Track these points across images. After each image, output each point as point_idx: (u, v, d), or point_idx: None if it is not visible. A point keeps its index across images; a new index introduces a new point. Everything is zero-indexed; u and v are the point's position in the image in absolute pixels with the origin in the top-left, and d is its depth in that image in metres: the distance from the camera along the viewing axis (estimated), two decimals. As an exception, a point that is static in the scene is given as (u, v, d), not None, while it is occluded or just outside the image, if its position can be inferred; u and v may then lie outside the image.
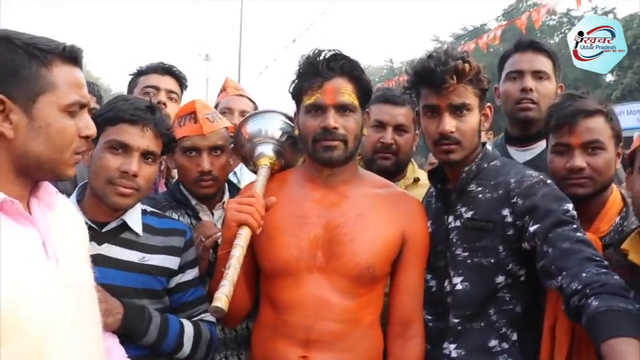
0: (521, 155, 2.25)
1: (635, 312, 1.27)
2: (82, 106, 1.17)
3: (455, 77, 1.63)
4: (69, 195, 1.65)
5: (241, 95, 2.85)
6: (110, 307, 1.50)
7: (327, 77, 1.63)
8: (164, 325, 1.63)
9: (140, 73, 2.52)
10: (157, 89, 2.45)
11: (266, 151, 1.82)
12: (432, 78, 1.66)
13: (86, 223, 1.55)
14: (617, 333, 1.21)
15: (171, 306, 1.73)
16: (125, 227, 1.66)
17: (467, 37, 17.13)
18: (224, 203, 2.01)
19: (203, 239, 1.86)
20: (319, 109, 1.64)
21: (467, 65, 1.65)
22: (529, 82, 2.23)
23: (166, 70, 2.50)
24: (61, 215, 1.23)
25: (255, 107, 2.80)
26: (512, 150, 2.30)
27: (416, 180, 2.34)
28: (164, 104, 2.34)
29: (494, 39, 8.00)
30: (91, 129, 1.19)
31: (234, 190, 2.06)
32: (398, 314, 1.71)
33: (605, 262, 1.42)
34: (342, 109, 1.64)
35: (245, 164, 1.98)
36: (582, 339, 1.52)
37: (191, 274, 1.77)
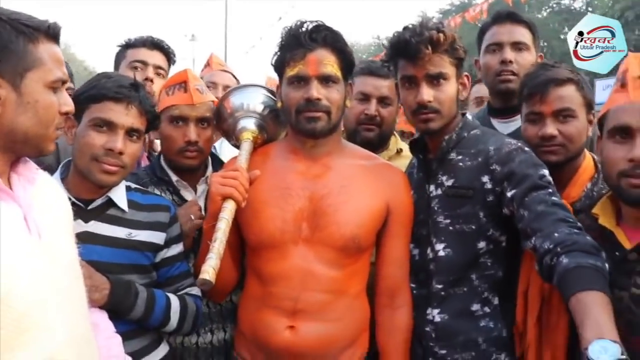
0: (504, 126, 2.26)
1: (603, 268, 1.31)
2: (63, 82, 1.18)
3: (430, 47, 1.65)
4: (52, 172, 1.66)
5: (225, 71, 2.85)
6: (96, 282, 1.51)
7: (310, 48, 1.63)
8: (151, 299, 1.65)
9: (129, 45, 2.47)
10: (145, 64, 2.41)
11: (249, 125, 1.82)
12: (407, 49, 1.68)
13: (71, 201, 1.56)
14: (585, 287, 1.25)
15: (157, 281, 1.75)
16: (110, 203, 1.67)
17: (454, 12, 17.05)
18: (207, 178, 2.01)
19: (193, 217, 1.87)
20: (301, 80, 1.65)
21: (441, 35, 1.67)
22: (508, 53, 2.24)
23: (155, 44, 2.46)
24: (43, 191, 1.23)
25: (238, 83, 2.79)
26: (495, 122, 2.31)
27: (399, 151, 2.37)
28: (151, 80, 2.33)
29: (480, 13, 7.97)
30: (70, 105, 1.20)
31: (218, 164, 2.06)
32: (385, 284, 1.74)
33: (579, 224, 1.46)
34: (325, 80, 1.64)
35: (227, 138, 1.99)
36: (551, 302, 1.58)
37: (176, 249, 1.79)
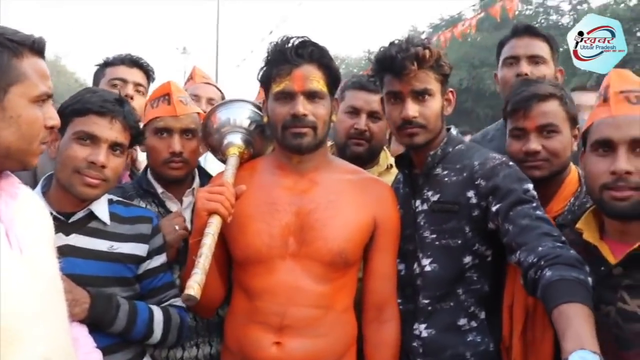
0: None
1: (587, 281, 1.32)
2: (48, 97, 1.18)
3: (415, 63, 1.67)
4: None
5: (208, 84, 2.85)
6: (77, 296, 1.50)
7: (296, 64, 1.63)
8: (133, 312, 1.64)
9: (107, 64, 2.47)
10: (125, 81, 2.41)
11: (235, 140, 1.82)
12: (393, 65, 1.69)
13: (52, 214, 1.54)
14: (567, 299, 1.25)
15: (140, 292, 1.74)
16: (92, 216, 1.67)
17: (444, 27, 17.22)
18: (193, 189, 2.01)
19: (178, 228, 1.87)
20: (287, 96, 1.64)
21: (427, 51, 1.68)
22: (524, 67, 2.25)
23: (134, 62, 2.46)
24: (25, 206, 1.23)
25: (223, 96, 2.80)
26: None
27: (389, 167, 2.36)
28: (132, 97, 2.33)
29: (469, 28, 8.04)
30: (55, 119, 1.20)
31: (205, 177, 2.06)
32: (372, 299, 1.73)
33: (563, 238, 1.47)
34: (311, 96, 1.65)
35: (213, 153, 1.98)
36: (535, 316, 1.58)
37: (159, 260, 1.78)
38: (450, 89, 1.83)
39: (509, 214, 1.55)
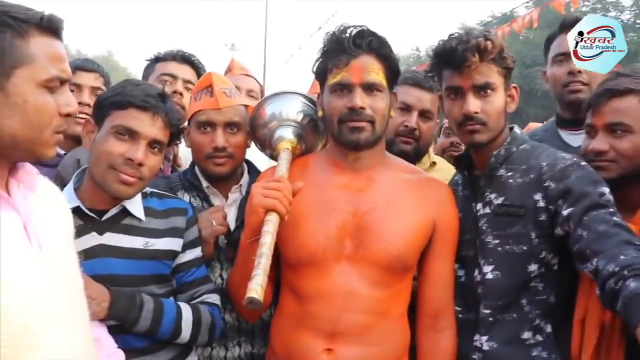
0: (574, 138, 2.12)
1: None
2: (63, 82, 1.08)
3: (477, 55, 1.57)
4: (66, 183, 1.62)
5: (247, 75, 2.79)
6: (95, 294, 1.43)
7: (354, 55, 1.55)
8: (159, 310, 1.56)
9: (158, 59, 2.42)
10: (175, 77, 2.36)
11: (286, 134, 1.74)
12: (453, 57, 1.59)
13: (83, 212, 1.53)
14: None
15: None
16: (126, 212, 1.60)
17: (495, 24, 16.80)
18: (241, 186, 1.94)
19: (215, 223, 1.79)
20: (344, 88, 1.57)
21: (489, 42, 1.58)
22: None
23: (185, 59, 2.41)
24: (43, 198, 1.15)
25: (262, 89, 2.75)
26: (564, 134, 2.21)
27: (432, 164, 2.29)
28: (180, 93, 2.28)
29: (530, 22, 7.62)
30: (72, 105, 1.10)
31: (255, 173, 1.98)
32: (428, 306, 1.64)
33: None
34: (370, 88, 1.56)
35: (261, 149, 1.91)
36: (612, 331, 1.46)
37: (192, 253, 1.71)
38: (514, 85, 1.72)
39: (583, 219, 1.44)
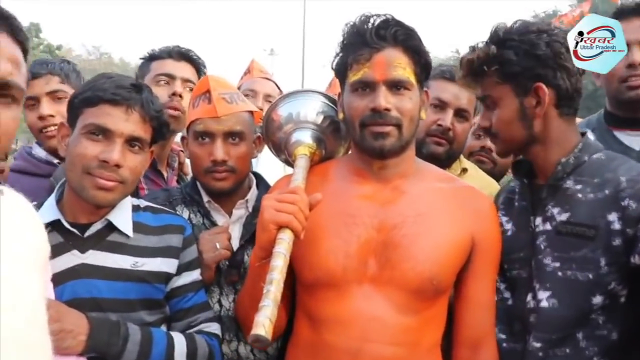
0: (634, 140, 1.92)
1: None
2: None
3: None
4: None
5: (267, 79, 2.61)
6: (69, 326, 1.26)
7: (377, 48, 1.37)
8: (147, 342, 1.38)
9: (153, 57, 2.15)
10: (172, 77, 2.10)
11: (304, 138, 1.55)
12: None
13: (65, 227, 1.40)
14: None
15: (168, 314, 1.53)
16: (112, 227, 1.44)
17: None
18: (247, 201, 1.75)
19: (219, 247, 1.61)
20: (367, 87, 1.38)
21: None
22: (637, 55, 1.89)
23: (182, 55, 2.15)
24: (6, 218, 0.98)
25: (281, 94, 2.55)
26: (620, 134, 1.96)
27: (463, 171, 2.05)
28: (180, 95, 2.06)
29: (581, 16, 7.23)
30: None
31: (264, 187, 1.78)
32: (466, 334, 1.44)
33: None
34: (395, 86, 1.38)
35: (276, 154, 1.71)
36: None
37: (189, 277, 1.54)
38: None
39: None
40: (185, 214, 1.72)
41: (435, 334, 1.41)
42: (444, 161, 1.92)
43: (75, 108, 1.41)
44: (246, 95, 2.33)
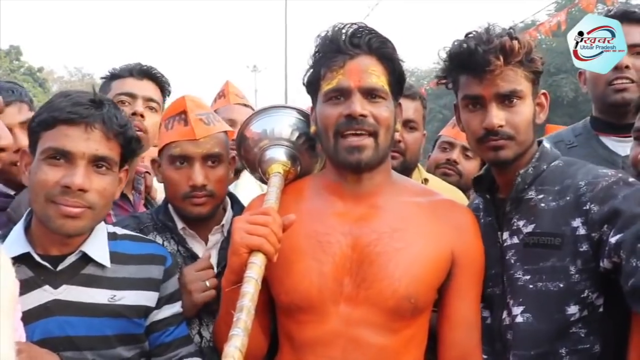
0: (620, 146, 1.91)
1: None
2: None
3: (502, 58, 1.33)
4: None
5: (245, 105, 2.48)
6: None
7: (351, 55, 1.34)
8: None
9: (114, 76, 2.07)
10: (133, 96, 2.00)
11: (278, 156, 1.51)
12: (472, 61, 1.36)
13: (35, 261, 1.31)
14: None
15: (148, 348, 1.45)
16: (87, 258, 1.36)
17: (519, 31, 16.58)
18: (223, 226, 1.69)
19: (208, 285, 1.55)
20: (341, 95, 1.34)
21: (515, 42, 1.34)
22: (625, 58, 1.88)
23: (144, 72, 2.06)
24: None
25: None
26: (606, 140, 1.97)
27: (424, 181, 2.08)
28: (141, 115, 1.98)
29: (558, 25, 7.27)
30: (3, 138, 0.90)
31: (239, 208, 1.72)
32: (450, 353, 1.39)
33: None
34: (370, 94, 1.34)
35: (251, 172, 1.68)
36: None
37: (170, 310, 1.47)
38: (543, 91, 1.48)
39: (637, 246, 1.19)
40: (159, 241, 1.64)
41: (416, 353, 1.37)
42: (400, 173, 1.89)
43: (34, 133, 1.32)
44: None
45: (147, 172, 2.15)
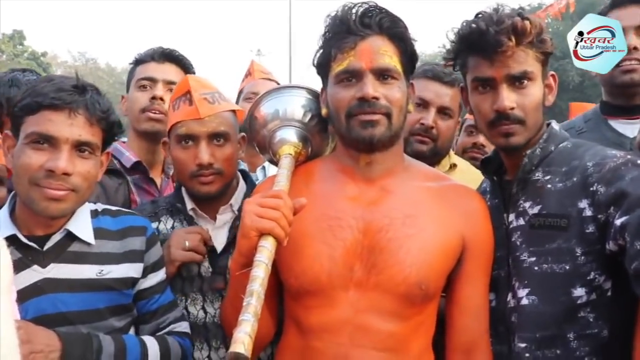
0: (629, 128, 1.92)
1: None
2: None
3: (513, 39, 1.33)
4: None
5: (269, 79, 2.56)
6: (40, 347, 1.22)
7: (362, 36, 1.33)
8: (120, 353, 1.36)
9: (138, 62, 2.13)
10: (153, 80, 2.06)
11: (288, 136, 1.50)
12: (483, 42, 1.36)
13: (22, 242, 1.34)
14: None
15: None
16: (72, 237, 1.39)
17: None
18: (231, 205, 1.70)
19: (187, 245, 1.58)
20: (352, 76, 1.34)
21: (527, 22, 1.34)
22: (633, 39, 1.90)
23: (165, 55, 2.10)
24: None
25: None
26: (614, 123, 1.98)
27: (452, 166, 2.07)
28: (161, 98, 2.01)
29: (567, 6, 7.14)
30: None
31: (251, 186, 1.75)
32: (459, 339, 1.39)
33: None
34: (382, 75, 1.34)
35: (261, 152, 1.67)
36: None
37: (154, 278, 1.51)
38: (552, 73, 1.48)
39: None
40: (170, 223, 1.68)
41: (425, 339, 1.38)
42: (429, 158, 1.91)
43: (17, 117, 1.34)
44: (248, 99, 2.32)
45: None
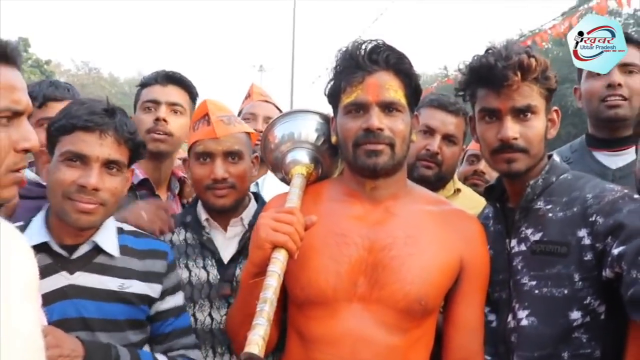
0: (611, 160, 2.00)
1: None
2: (17, 114, 0.98)
3: (519, 74, 1.40)
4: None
5: (266, 102, 2.66)
6: (67, 351, 1.31)
7: (370, 71, 1.42)
8: None
9: (143, 85, 2.20)
10: (157, 102, 2.12)
11: (301, 158, 1.59)
12: (491, 75, 1.44)
13: (54, 250, 1.45)
14: None
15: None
16: (98, 249, 1.50)
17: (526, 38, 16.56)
18: (242, 219, 1.80)
19: (144, 215, 1.73)
20: (360, 108, 1.43)
21: (533, 59, 1.42)
22: (616, 76, 1.98)
23: (169, 78, 2.16)
24: (2, 250, 0.96)
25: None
26: (599, 155, 2.05)
27: (457, 191, 2.15)
28: (164, 119, 2.08)
29: (569, 28, 7.24)
30: (30, 140, 1.00)
31: (262, 205, 1.82)
32: (454, 356, 1.46)
33: None
34: (388, 107, 1.43)
35: (274, 172, 1.78)
36: None
37: (171, 301, 1.58)
38: (555, 108, 1.55)
39: (638, 259, 1.25)
40: (182, 235, 1.79)
41: (423, 354, 1.44)
42: (434, 183, 1.99)
43: (53, 136, 1.47)
44: (246, 119, 2.40)
45: (184, 176, 2.26)
